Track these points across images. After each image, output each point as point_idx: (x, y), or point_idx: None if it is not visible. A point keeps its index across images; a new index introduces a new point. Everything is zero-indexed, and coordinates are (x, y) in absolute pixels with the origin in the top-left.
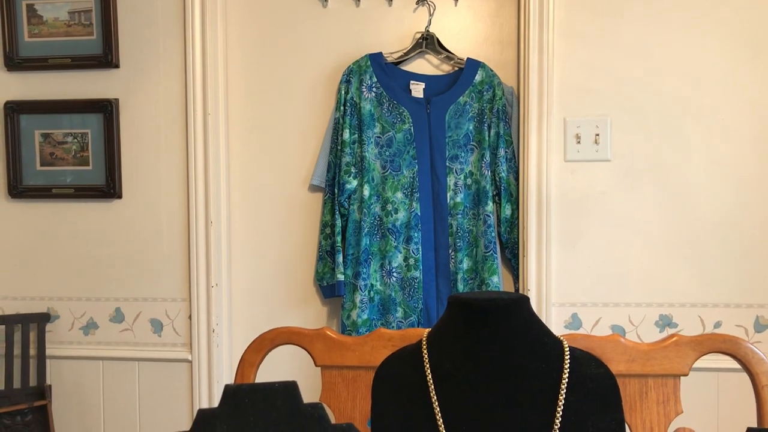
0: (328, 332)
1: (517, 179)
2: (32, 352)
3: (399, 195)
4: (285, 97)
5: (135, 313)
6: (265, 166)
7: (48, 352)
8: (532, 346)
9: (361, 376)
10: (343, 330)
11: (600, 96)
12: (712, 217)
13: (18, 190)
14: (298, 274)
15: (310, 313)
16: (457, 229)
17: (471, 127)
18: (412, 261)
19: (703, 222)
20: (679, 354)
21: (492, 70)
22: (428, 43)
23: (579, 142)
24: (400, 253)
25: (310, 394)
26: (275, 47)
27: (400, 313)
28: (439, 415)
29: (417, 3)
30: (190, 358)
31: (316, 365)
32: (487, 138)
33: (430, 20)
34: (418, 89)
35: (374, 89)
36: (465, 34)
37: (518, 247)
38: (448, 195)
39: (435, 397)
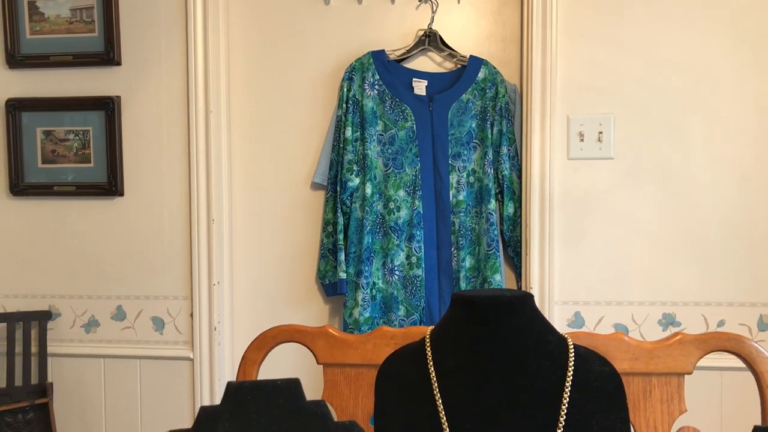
0: (331, 330)
1: (519, 177)
2: (34, 349)
3: (401, 193)
4: (287, 94)
5: (136, 311)
6: (267, 164)
7: (49, 349)
8: (536, 344)
9: (363, 373)
10: (345, 328)
11: (603, 94)
12: (716, 215)
13: (19, 188)
14: (300, 272)
15: (312, 311)
16: (460, 227)
17: (474, 125)
18: (414, 259)
19: (706, 220)
20: (683, 352)
21: (495, 68)
22: (431, 40)
23: (582, 140)
24: (403, 251)
25: (312, 392)
26: (277, 44)
27: (402, 312)
28: (443, 412)
29: (419, 0)
30: (191, 356)
31: (318, 363)
32: (489, 136)
33: (432, 17)
34: (420, 87)
35: (377, 87)
36: (468, 31)
37: (521, 245)
38: (451, 193)
39: (438, 395)
